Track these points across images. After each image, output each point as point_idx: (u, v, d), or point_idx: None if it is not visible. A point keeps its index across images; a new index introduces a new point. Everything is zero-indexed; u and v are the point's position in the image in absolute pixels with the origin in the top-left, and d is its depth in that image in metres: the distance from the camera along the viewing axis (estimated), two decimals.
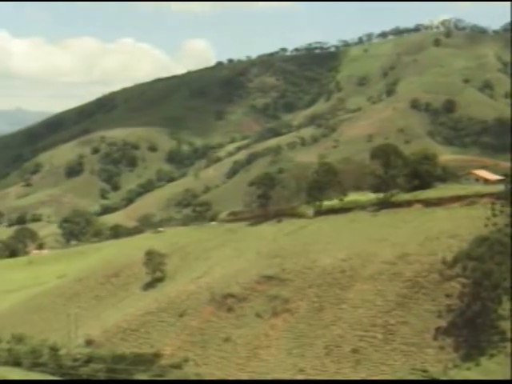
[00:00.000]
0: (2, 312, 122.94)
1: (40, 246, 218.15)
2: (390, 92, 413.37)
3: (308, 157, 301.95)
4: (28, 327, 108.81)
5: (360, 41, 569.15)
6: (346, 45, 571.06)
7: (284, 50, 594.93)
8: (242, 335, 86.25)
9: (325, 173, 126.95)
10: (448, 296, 78.42)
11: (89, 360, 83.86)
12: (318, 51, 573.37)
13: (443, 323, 75.42)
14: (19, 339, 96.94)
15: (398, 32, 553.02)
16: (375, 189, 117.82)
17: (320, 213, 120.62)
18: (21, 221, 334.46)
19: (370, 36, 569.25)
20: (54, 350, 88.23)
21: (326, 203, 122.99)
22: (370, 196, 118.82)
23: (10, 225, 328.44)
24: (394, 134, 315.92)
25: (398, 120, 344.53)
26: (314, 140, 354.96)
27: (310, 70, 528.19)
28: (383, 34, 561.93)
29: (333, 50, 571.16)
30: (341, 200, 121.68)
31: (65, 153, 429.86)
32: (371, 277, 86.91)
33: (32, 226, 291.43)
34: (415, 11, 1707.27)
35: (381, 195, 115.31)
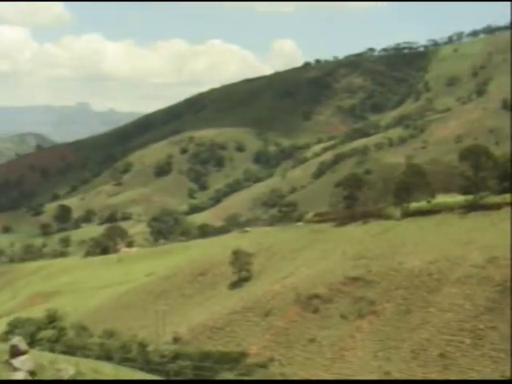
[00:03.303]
0: (94, 307, 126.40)
1: (129, 244, 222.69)
2: (480, 92, 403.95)
3: (395, 158, 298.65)
4: (118, 323, 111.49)
5: (450, 40, 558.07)
6: (436, 44, 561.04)
7: (372, 50, 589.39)
8: (327, 336, 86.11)
9: (413, 174, 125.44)
10: None
11: (176, 357, 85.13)
12: (406, 51, 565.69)
13: None
14: (110, 334, 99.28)
15: (489, 31, 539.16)
16: (464, 191, 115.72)
17: (407, 214, 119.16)
18: (111, 219, 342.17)
19: (460, 35, 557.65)
20: (142, 345, 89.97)
21: (414, 205, 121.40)
22: (458, 198, 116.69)
23: (101, 223, 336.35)
24: (484, 135, 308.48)
25: (488, 121, 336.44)
26: (402, 141, 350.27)
27: (398, 71, 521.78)
28: (474, 33, 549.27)
29: (422, 49, 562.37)
30: (429, 202, 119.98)
31: (154, 153, 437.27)
32: (459, 280, 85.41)
33: (122, 224, 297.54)
34: (507, 9, 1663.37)
35: (470, 197, 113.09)
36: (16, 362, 22.44)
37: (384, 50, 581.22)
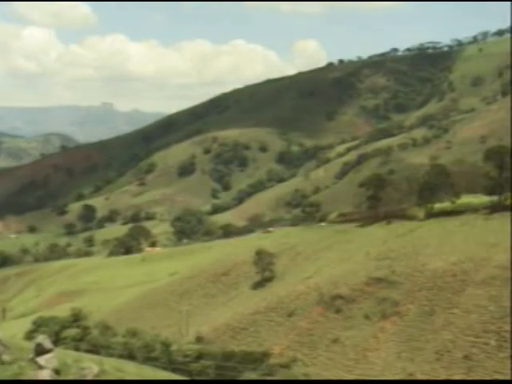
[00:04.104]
0: (117, 307, 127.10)
1: (153, 244, 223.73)
2: (505, 92, 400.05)
3: (419, 158, 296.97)
4: (141, 322, 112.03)
5: (474, 40, 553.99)
6: (460, 44, 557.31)
7: (395, 50, 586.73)
8: (351, 337, 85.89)
9: (436, 174, 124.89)
10: None
11: (199, 356, 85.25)
12: (430, 51, 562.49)
13: None
14: (133, 333, 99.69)
15: None
16: (488, 191, 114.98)
17: (431, 215, 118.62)
18: (135, 219, 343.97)
19: (485, 34, 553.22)
20: (165, 345, 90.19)
21: (438, 205, 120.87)
22: (483, 199, 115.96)
23: (125, 223, 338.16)
24: (509, 136, 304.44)
25: None
26: (426, 141, 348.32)
27: (422, 70, 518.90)
28: (499, 32, 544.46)
29: (446, 49, 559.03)
30: (453, 202, 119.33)
31: (178, 153, 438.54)
32: (484, 281, 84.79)
33: (146, 224, 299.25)
34: None
35: (494, 198, 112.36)
36: (41, 360, 22.58)
37: (408, 49, 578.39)
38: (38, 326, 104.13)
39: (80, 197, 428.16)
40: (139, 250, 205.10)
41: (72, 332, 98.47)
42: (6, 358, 23.40)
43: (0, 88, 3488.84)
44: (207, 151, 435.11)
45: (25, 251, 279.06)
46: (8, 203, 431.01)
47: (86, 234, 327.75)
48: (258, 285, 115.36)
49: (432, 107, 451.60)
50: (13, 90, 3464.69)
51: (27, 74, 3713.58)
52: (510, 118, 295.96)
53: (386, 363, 78.73)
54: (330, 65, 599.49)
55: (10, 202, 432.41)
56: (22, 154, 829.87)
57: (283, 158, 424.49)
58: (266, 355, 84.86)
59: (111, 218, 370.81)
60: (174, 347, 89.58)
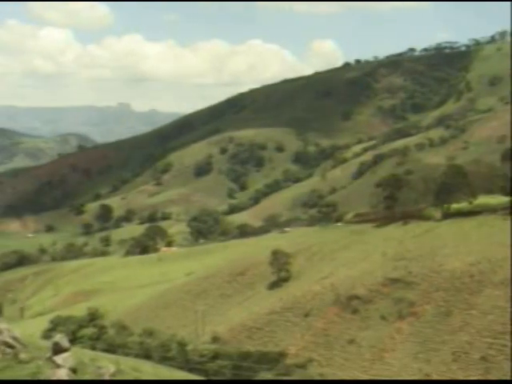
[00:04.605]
0: (134, 306, 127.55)
1: (169, 244, 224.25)
2: None
3: (436, 158, 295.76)
4: (158, 322, 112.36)
5: (492, 39, 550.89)
6: (478, 44, 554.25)
7: (412, 50, 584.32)
8: (367, 337, 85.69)
9: (454, 175, 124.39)
10: None
11: (215, 356, 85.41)
12: (447, 51, 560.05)
13: None
14: (150, 333, 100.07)
15: None
16: (506, 192, 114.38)
17: (448, 215, 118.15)
18: (151, 219, 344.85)
19: (503, 34, 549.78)
20: (181, 345, 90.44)
21: (455, 206, 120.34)
22: (500, 199, 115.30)
23: (142, 222, 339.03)
24: None
25: None
26: (443, 141, 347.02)
27: (440, 70, 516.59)
28: None
29: (463, 49, 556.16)
30: (470, 203, 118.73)
31: (194, 153, 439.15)
32: (502, 282, 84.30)
33: (162, 223, 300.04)
34: None
35: None
36: (58, 358, 22.71)
37: (425, 49, 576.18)
38: (55, 324, 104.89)
39: (97, 197, 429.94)
40: (155, 250, 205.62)
41: (88, 331, 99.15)
42: (23, 356, 23.56)
43: (18, 88, 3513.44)
44: (224, 151, 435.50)
45: (42, 251, 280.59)
46: (26, 203, 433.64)
47: (103, 234, 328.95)
48: (274, 285, 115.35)
49: (449, 107, 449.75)
50: (31, 91, 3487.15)
51: (45, 75, 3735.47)
52: None
53: (402, 364, 78.48)
54: (346, 65, 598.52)
55: (28, 202, 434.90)
56: (40, 154, 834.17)
57: (299, 158, 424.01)
58: (281, 355, 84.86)
59: (128, 217, 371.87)
60: (190, 347, 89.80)
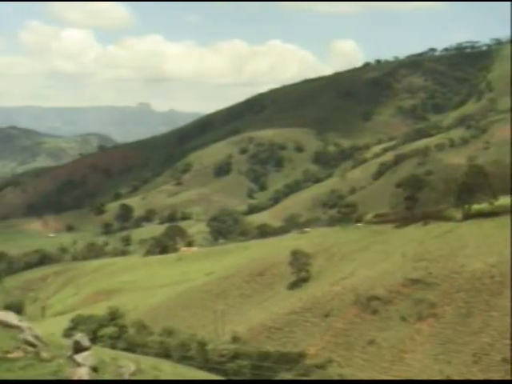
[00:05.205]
0: (154, 306, 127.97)
1: (189, 244, 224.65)
2: None
3: (457, 158, 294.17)
4: (177, 321, 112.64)
5: None
6: (499, 43, 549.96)
7: (433, 50, 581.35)
8: (387, 338, 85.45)
9: (474, 175, 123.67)
10: None
11: (235, 356, 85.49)
12: (468, 51, 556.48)
13: None
14: (169, 332, 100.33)
15: None
16: None
17: (469, 216, 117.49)
18: (171, 218, 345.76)
19: None
20: (201, 344, 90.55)
21: (475, 206, 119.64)
22: None
23: (162, 222, 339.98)
24: None
25: None
26: (464, 141, 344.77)
27: (460, 70, 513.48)
28: None
29: (484, 48, 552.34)
30: (491, 204, 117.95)
31: (214, 153, 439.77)
32: None
33: (182, 223, 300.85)
34: None
35: None
36: (79, 357, 22.90)
37: (445, 49, 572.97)
38: (76, 323, 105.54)
39: (117, 196, 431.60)
40: (175, 250, 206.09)
41: (109, 330, 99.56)
42: (44, 355, 23.77)
43: (40, 89, 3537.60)
44: (243, 151, 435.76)
45: (63, 250, 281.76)
46: (47, 203, 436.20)
47: (123, 234, 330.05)
48: (294, 285, 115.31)
49: (470, 107, 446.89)
50: (52, 91, 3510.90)
51: (66, 75, 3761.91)
52: None
53: (422, 365, 78.18)
54: (366, 65, 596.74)
55: (49, 202, 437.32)
56: (61, 154, 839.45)
57: (319, 158, 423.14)
58: (301, 356, 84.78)
59: (148, 217, 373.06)
60: (209, 347, 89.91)
